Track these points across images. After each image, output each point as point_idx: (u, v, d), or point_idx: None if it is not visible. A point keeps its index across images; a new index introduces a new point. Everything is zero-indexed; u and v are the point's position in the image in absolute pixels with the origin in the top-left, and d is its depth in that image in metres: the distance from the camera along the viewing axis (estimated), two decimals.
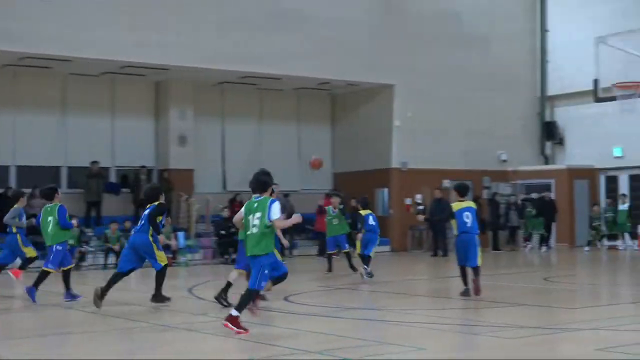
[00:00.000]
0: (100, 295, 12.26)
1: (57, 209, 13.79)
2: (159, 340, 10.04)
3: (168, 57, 24.02)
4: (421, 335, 9.94)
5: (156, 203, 13.11)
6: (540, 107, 31.87)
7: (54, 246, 13.75)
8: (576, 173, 29.88)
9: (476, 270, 13.35)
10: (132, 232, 13.28)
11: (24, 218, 15.07)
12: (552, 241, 28.78)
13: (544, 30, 31.91)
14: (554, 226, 28.59)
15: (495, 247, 27.75)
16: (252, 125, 28.91)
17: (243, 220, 10.08)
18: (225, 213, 23.53)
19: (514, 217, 28.53)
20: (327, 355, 8.59)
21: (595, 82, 18.75)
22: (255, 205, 10.00)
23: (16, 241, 14.97)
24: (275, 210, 9.84)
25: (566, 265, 22.52)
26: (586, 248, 27.02)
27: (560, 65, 31.34)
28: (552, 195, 28.92)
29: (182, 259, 22.80)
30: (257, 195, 10.26)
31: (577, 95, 30.00)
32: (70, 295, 13.84)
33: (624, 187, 29.51)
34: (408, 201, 28.32)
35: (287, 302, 13.28)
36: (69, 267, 13.96)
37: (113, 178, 26.15)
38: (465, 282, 13.36)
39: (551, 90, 31.79)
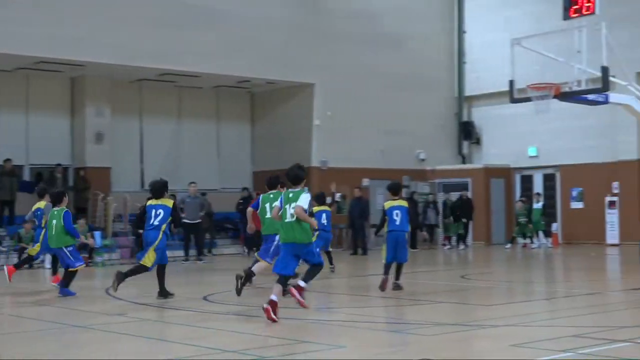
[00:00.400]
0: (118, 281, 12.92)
1: (63, 213, 14.30)
2: (74, 342, 9.81)
3: (83, 53, 23.59)
4: (341, 333, 9.95)
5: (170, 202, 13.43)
6: (457, 107, 32.36)
7: (63, 248, 14.29)
8: (492, 172, 30.45)
9: (401, 267, 13.74)
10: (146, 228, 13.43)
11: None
12: (469, 239, 29.25)
13: (461, 32, 32.42)
14: (470, 224, 29.05)
15: (413, 246, 28.01)
16: (170, 123, 28.60)
17: (280, 212, 10.67)
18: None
19: (432, 215, 28.89)
20: (245, 354, 8.52)
21: (511, 83, 19.07)
22: (291, 195, 10.67)
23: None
24: (304, 201, 10.53)
25: (483, 263, 22.90)
26: (507, 245, 27.52)
27: (477, 66, 31.90)
28: (469, 194, 29.38)
29: (98, 258, 22.39)
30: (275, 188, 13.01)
31: (493, 95, 30.58)
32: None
33: (538, 186, 30.21)
34: (328, 200, 28.31)
35: (206, 302, 13.16)
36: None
37: (27, 176, 25.53)
38: (386, 273, 13.66)
39: (468, 91, 32.32)
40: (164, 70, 25.57)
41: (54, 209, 14.53)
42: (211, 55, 25.73)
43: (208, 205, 25.12)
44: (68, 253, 14.30)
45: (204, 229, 24.68)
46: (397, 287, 13.77)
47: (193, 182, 23.98)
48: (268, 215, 12.98)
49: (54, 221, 14.33)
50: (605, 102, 18.78)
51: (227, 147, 29.81)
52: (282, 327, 10.24)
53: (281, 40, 27.31)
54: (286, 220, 10.60)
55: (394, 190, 14.23)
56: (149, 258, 13.13)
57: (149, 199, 13.55)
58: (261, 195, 13.69)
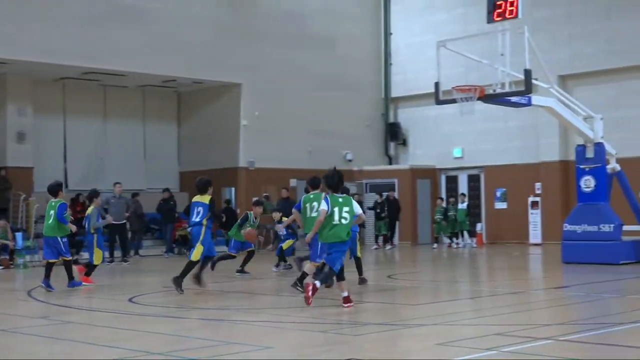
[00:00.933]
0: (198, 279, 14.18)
1: (58, 204, 14.84)
2: None
3: (4, 51, 23.13)
4: (268, 334, 9.92)
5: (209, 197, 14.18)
6: (384, 109, 32.60)
7: (59, 238, 14.83)
8: (418, 173, 30.78)
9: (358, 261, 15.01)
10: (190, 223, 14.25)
11: (99, 219, 16.16)
12: (396, 239, 29.50)
13: (387, 33, 32.67)
14: (397, 225, 29.29)
15: None
16: (95, 122, 28.18)
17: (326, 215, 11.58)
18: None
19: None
20: (171, 356, 8.42)
21: (436, 84, 19.27)
22: (341, 200, 11.69)
23: (92, 242, 15.86)
24: (358, 206, 12.03)
25: (409, 263, 23.10)
26: (434, 245, 27.84)
27: (403, 68, 32.23)
28: (396, 195, 29.63)
29: (20, 260, 21.88)
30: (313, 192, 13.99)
31: (419, 97, 30.92)
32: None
33: (463, 186, 30.65)
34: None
35: (130, 303, 12.99)
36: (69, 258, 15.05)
37: None
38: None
39: (395, 92, 32.61)
40: (87, 68, 25.17)
41: (52, 200, 14.96)
42: (136, 54, 25.43)
43: (140, 207, 24.87)
44: (64, 244, 14.88)
45: (133, 230, 24.41)
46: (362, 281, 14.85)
47: (118, 183, 23.65)
48: (310, 215, 13.61)
49: (52, 212, 14.73)
50: (528, 104, 19.12)
51: (154, 147, 29.49)
52: (207, 328, 10.17)
53: (208, 39, 27.14)
54: (336, 223, 11.55)
55: (314, 184, 14.35)
56: (196, 253, 13.90)
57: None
58: (303, 196, 14.34)
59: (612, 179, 20.49)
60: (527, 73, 17.95)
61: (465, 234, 28.46)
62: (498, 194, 29.81)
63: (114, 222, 22.58)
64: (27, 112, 25.65)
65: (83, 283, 15.46)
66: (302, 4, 29.96)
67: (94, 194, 16.39)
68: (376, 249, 28.17)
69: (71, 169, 27.26)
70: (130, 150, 28.77)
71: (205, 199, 14.06)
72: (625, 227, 19.97)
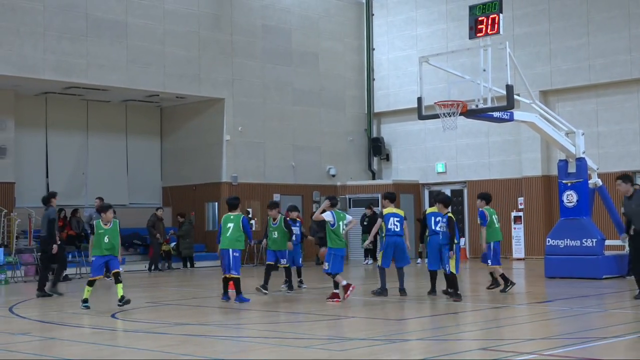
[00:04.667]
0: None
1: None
2: None
3: None
4: (251, 350, 9.88)
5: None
6: (367, 124, 32.68)
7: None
8: (402, 188, 30.80)
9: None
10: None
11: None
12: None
13: (370, 49, 32.79)
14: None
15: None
16: (78, 137, 28.06)
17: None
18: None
19: None
20: None
21: (419, 100, 19.32)
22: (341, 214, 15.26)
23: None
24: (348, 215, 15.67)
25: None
26: (418, 261, 27.77)
27: (386, 83, 32.35)
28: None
29: (1, 276, 21.69)
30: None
31: (402, 112, 31.05)
32: None
33: None
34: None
35: (113, 319, 12.91)
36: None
37: None
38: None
39: (377, 107, 32.70)
40: (69, 83, 25.09)
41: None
42: (119, 69, 25.40)
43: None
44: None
45: None
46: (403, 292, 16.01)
47: (100, 197, 23.50)
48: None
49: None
50: (511, 119, 19.21)
51: (136, 162, 29.40)
52: (190, 344, 10.12)
53: (191, 54, 27.14)
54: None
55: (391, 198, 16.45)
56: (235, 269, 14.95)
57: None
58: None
59: (594, 193, 20.61)
60: (509, 88, 18.04)
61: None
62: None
63: None
64: (8, 127, 25.50)
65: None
66: (285, 19, 30.03)
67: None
68: (369, 263, 27.88)
69: (53, 183, 27.10)
70: (112, 165, 28.67)
71: (238, 217, 15.11)
72: (608, 242, 20.09)
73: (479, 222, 16.90)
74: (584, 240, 19.50)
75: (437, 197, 15.35)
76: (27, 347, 10.36)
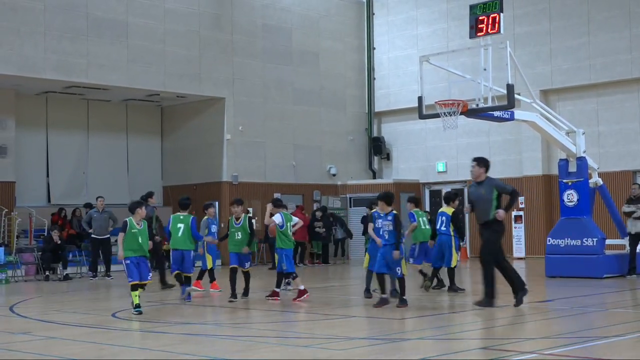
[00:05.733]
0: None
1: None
2: None
3: None
4: (252, 349, 9.88)
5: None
6: (367, 123, 32.68)
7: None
8: (402, 187, 30.80)
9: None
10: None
11: (212, 228, 16.66)
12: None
13: (370, 48, 32.78)
14: None
15: (325, 260, 28.09)
16: (78, 136, 28.07)
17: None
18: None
19: (339, 230, 28.97)
20: None
21: (420, 99, 19.29)
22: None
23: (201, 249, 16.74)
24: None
25: None
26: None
27: (387, 83, 32.33)
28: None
29: (2, 275, 21.71)
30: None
31: (402, 111, 31.04)
32: None
33: None
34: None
35: (114, 318, 12.91)
36: None
37: None
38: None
39: (378, 107, 32.69)
40: (70, 82, 25.09)
41: None
42: (120, 68, 25.39)
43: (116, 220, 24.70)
44: None
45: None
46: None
47: (100, 197, 23.52)
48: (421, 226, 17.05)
49: None
50: (511, 119, 19.20)
51: (137, 161, 29.40)
52: (190, 343, 10.12)
53: (191, 53, 27.14)
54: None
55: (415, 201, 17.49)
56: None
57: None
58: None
59: (595, 193, 20.60)
60: (510, 88, 18.02)
61: None
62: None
63: (97, 237, 22.58)
64: (9, 126, 25.51)
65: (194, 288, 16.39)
66: (285, 19, 30.03)
67: (208, 205, 16.92)
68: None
69: (54, 183, 27.12)
70: (113, 165, 28.67)
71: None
72: (608, 241, 20.08)
73: (409, 220, 17.38)
74: (584, 240, 19.49)
75: (378, 196, 14.04)
76: (28, 347, 10.35)
